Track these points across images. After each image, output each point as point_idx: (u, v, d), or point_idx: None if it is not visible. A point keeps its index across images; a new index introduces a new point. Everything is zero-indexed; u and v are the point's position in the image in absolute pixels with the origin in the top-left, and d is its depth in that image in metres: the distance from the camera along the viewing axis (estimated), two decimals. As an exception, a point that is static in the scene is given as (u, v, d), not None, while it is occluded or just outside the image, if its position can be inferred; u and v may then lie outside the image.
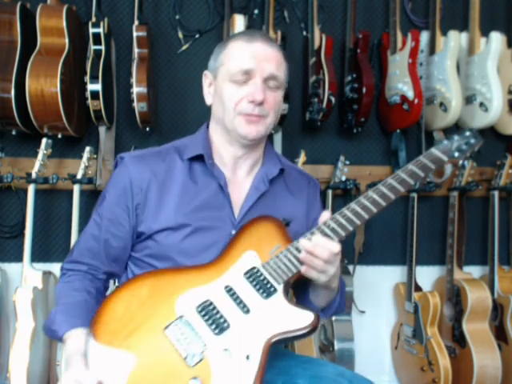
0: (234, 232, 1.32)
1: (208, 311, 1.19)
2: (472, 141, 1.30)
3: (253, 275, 1.23)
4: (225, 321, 1.18)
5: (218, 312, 1.19)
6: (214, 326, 1.17)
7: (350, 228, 1.22)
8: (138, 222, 1.32)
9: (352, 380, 1.22)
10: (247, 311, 1.19)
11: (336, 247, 1.17)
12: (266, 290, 1.21)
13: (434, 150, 1.27)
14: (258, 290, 1.21)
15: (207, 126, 1.44)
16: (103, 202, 1.36)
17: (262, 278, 1.23)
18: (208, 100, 1.41)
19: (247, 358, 1.13)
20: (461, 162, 1.29)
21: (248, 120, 1.30)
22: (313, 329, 1.18)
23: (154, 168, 1.34)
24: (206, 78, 1.40)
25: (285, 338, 1.18)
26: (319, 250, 1.17)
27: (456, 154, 1.28)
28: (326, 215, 1.23)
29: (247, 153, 1.37)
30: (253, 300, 1.21)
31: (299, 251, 1.21)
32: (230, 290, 1.22)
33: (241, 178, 1.39)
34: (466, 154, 1.30)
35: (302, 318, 1.19)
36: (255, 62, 1.29)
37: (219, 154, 1.38)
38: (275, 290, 1.21)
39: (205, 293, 1.21)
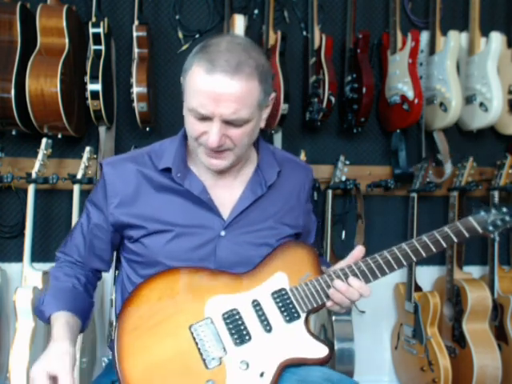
0: (223, 233, 1.31)
1: (233, 320, 1.21)
2: (507, 218, 1.36)
3: (280, 296, 1.25)
4: (247, 333, 1.21)
5: (242, 323, 1.22)
6: (236, 336, 1.20)
7: (379, 275, 1.32)
8: (118, 226, 1.34)
9: (338, 383, 1.22)
10: (269, 330, 1.22)
11: (368, 292, 1.27)
12: (290, 314, 1.24)
13: (471, 220, 1.34)
14: (282, 312, 1.24)
15: (183, 134, 1.37)
16: (89, 202, 1.40)
17: (288, 301, 1.25)
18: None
19: (261, 375, 1.17)
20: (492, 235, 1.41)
21: (210, 155, 1.24)
22: (324, 362, 1.24)
23: (128, 175, 1.33)
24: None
25: (296, 364, 1.22)
26: (351, 291, 1.25)
27: (490, 228, 1.35)
28: (358, 254, 1.31)
29: (226, 169, 1.31)
30: (276, 320, 1.23)
31: (329, 286, 1.26)
32: (257, 305, 1.24)
33: (228, 182, 1.35)
34: (499, 230, 1.36)
35: (317, 349, 1.24)
36: (212, 105, 1.16)
37: (198, 162, 1.33)
38: (298, 316, 1.24)
39: (233, 301, 1.24)
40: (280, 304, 1.24)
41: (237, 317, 1.22)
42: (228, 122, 1.19)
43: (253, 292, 1.26)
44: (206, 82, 1.16)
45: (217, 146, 1.20)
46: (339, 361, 2.45)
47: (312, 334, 1.25)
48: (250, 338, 1.20)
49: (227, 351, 1.18)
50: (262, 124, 1.31)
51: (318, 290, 1.26)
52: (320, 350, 1.23)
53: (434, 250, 1.31)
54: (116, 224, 1.34)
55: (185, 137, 1.35)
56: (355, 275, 1.27)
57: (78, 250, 1.39)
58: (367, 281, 1.29)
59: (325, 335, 2.56)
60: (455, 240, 1.32)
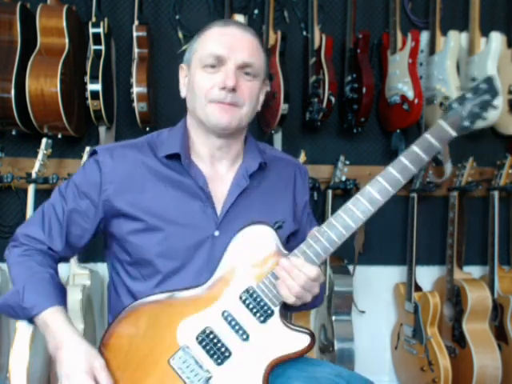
0: (217, 233, 1.25)
1: (209, 340, 1.17)
2: (487, 97, 1.17)
3: (248, 298, 1.18)
4: (226, 349, 1.17)
5: (218, 341, 1.17)
6: (215, 356, 1.16)
7: (331, 250, 1.16)
8: (108, 219, 1.27)
9: (350, 380, 1.20)
10: (247, 338, 1.17)
11: (313, 272, 1.13)
12: (263, 314, 1.18)
13: (443, 123, 1.14)
14: (254, 314, 1.18)
15: (184, 122, 1.36)
16: (69, 188, 1.29)
17: (258, 299, 1.18)
18: (182, 92, 1.34)
19: None
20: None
21: (220, 108, 1.22)
22: (309, 350, 1.19)
23: (127, 162, 1.27)
24: (182, 71, 1.33)
25: (283, 361, 1.18)
26: (295, 272, 1.13)
27: (466, 124, 1.15)
28: (312, 232, 1.17)
29: (225, 146, 1.29)
30: (250, 325, 1.18)
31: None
32: (228, 316, 1.18)
33: (222, 173, 1.31)
34: (476, 120, 1.16)
35: (299, 341, 1.19)
36: (228, 49, 1.22)
37: (196, 149, 1.31)
38: (272, 313, 1.18)
39: (203, 320, 1.18)
40: (250, 306, 1.18)
41: (211, 336, 1.17)
42: (242, 68, 1.23)
43: (220, 302, 1.19)
44: (220, 33, 1.25)
45: (233, 84, 1.20)
46: (339, 361, 2.45)
47: (289, 326, 1.19)
48: (230, 353, 1.16)
49: (211, 373, 1.15)
50: (258, 107, 1.33)
51: None
52: (301, 341, 1.18)
53: (401, 180, 1.13)
54: (110, 212, 1.26)
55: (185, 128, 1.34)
56: (305, 254, 1.15)
57: (51, 237, 1.28)
58: (320, 260, 1.15)
59: (325, 335, 2.56)
60: (427, 159, 1.13)
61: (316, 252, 1.15)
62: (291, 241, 1.37)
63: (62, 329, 1.18)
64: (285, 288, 1.15)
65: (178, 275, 1.24)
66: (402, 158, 1.14)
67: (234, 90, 1.21)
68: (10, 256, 1.30)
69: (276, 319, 1.19)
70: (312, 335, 1.20)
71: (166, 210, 1.25)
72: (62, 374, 1.14)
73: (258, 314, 1.18)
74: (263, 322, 1.18)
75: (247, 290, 1.19)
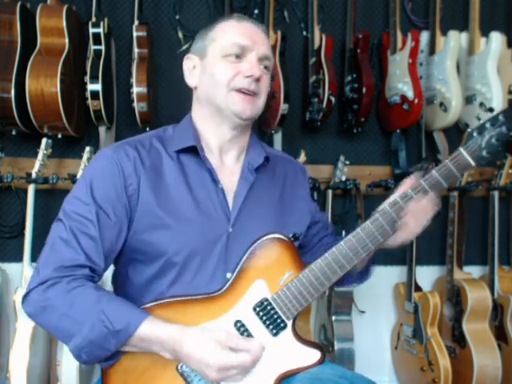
0: (231, 229, 1.23)
1: None
2: (504, 130, 1.20)
3: (262, 309, 1.18)
4: None
5: None
6: None
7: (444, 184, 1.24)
8: (132, 215, 1.20)
9: (353, 381, 1.20)
10: None
11: (436, 203, 1.22)
12: (276, 327, 1.18)
13: (463, 152, 1.22)
14: (267, 326, 1.17)
15: (190, 117, 1.36)
16: (96, 204, 1.17)
17: (272, 311, 1.18)
18: (192, 81, 1.31)
19: None
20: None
21: (242, 98, 1.24)
22: (319, 364, 1.19)
23: (141, 158, 1.23)
24: (188, 61, 1.32)
25: (291, 374, 1.18)
26: (425, 205, 1.22)
27: (484, 154, 1.22)
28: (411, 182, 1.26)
29: (235, 137, 1.30)
30: (263, 337, 1.17)
31: (311, 284, 1.18)
32: (241, 326, 1.17)
33: (228, 164, 1.31)
34: (495, 150, 1.22)
35: (310, 356, 1.19)
36: (250, 40, 1.25)
37: (205, 142, 1.30)
38: (285, 326, 1.18)
39: (215, 329, 1.15)
40: (264, 318, 1.17)
41: None
42: (261, 61, 1.26)
43: (234, 311, 1.17)
44: (239, 27, 1.27)
45: (260, 73, 1.23)
46: (339, 361, 2.45)
47: (301, 340, 1.20)
48: None
49: (220, 382, 1.12)
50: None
51: (301, 291, 1.18)
52: (312, 356, 1.19)
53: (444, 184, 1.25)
54: (131, 209, 1.19)
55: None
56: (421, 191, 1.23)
57: (88, 256, 1.15)
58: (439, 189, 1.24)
59: (325, 335, 2.56)
60: (445, 185, 1.25)
61: (333, 269, 1.21)
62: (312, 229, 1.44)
63: (170, 330, 1.10)
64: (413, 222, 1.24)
65: (194, 272, 1.21)
66: (422, 182, 1.26)
67: (258, 79, 1.24)
68: (50, 299, 1.10)
69: (288, 333, 1.19)
70: (322, 350, 1.20)
71: (181, 206, 1.22)
72: (201, 368, 1.08)
73: (271, 327, 1.18)
74: (275, 334, 1.18)
75: (261, 302, 1.18)
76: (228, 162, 1.32)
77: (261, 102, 1.28)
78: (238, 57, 1.25)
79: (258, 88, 1.25)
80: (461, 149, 1.23)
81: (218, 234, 1.23)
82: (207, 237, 1.22)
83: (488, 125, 1.22)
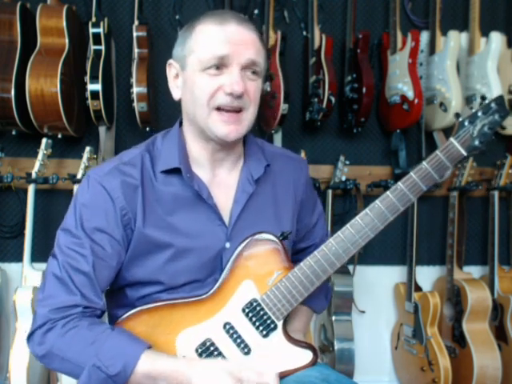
0: (228, 245, 1.19)
1: (208, 353, 1.13)
2: (497, 117, 1.18)
3: (252, 310, 1.15)
4: None
5: (219, 353, 1.14)
6: None
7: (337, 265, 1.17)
8: (129, 244, 1.16)
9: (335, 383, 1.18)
10: (248, 352, 1.15)
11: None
12: (266, 328, 1.15)
13: (454, 142, 1.17)
14: (257, 327, 1.15)
15: (180, 124, 1.26)
16: (90, 234, 1.13)
17: (262, 312, 1.15)
18: (176, 94, 1.23)
19: None
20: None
21: (225, 119, 1.13)
22: (311, 365, 1.17)
23: (133, 183, 1.16)
24: (171, 68, 1.24)
25: (283, 376, 1.15)
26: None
27: (476, 143, 1.17)
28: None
29: (227, 149, 1.20)
30: (253, 339, 1.15)
31: (301, 282, 1.15)
32: (230, 328, 1.15)
33: (223, 177, 1.23)
34: (487, 140, 1.19)
35: (301, 357, 1.17)
36: (230, 47, 1.11)
37: (195, 154, 1.21)
38: (275, 327, 1.16)
39: (204, 331, 1.14)
40: (253, 319, 1.15)
41: (211, 348, 1.13)
42: (246, 68, 1.13)
43: (222, 313, 1.15)
44: (219, 32, 1.12)
45: (241, 90, 1.10)
46: (339, 361, 2.45)
47: (292, 341, 1.17)
48: None
49: None
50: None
51: (290, 291, 1.15)
52: (304, 357, 1.17)
53: (423, 187, 1.16)
54: (140, 239, 1.15)
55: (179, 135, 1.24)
56: None
57: (84, 295, 1.11)
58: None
59: (325, 335, 2.56)
60: (437, 178, 1.17)
61: (323, 267, 1.16)
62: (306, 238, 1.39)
63: (174, 365, 1.06)
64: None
65: (188, 291, 1.18)
66: (413, 175, 1.17)
67: (241, 96, 1.12)
68: (50, 343, 1.09)
69: (278, 334, 1.17)
70: (314, 350, 1.18)
71: (174, 233, 1.16)
72: None
73: (261, 328, 1.15)
74: (265, 336, 1.16)
75: (251, 303, 1.16)
76: (222, 174, 1.24)
77: (249, 115, 1.16)
78: (219, 68, 1.12)
79: (242, 103, 1.13)
80: (451, 139, 1.18)
81: (213, 254, 1.19)
82: (202, 259, 1.18)
83: (480, 113, 1.19)
